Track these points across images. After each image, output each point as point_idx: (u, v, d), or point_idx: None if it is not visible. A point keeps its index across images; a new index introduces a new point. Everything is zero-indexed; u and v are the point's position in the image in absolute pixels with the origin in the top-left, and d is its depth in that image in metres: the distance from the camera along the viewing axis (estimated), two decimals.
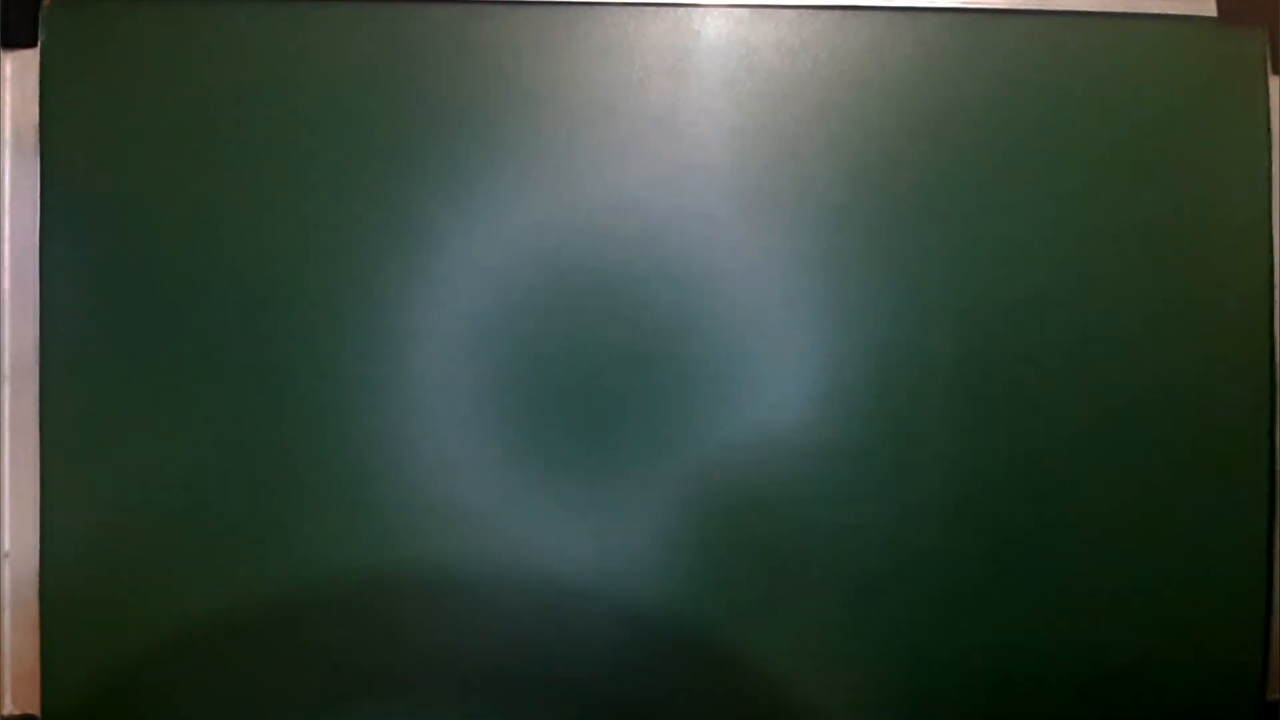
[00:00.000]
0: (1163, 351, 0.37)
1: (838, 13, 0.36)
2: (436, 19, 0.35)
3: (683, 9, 0.35)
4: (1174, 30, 0.37)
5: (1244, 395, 0.37)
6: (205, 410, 0.35)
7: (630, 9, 0.35)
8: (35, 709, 0.34)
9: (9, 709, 0.34)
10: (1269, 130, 0.37)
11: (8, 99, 0.34)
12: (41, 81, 0.34)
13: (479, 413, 0.34)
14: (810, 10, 0.35)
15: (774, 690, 0.35)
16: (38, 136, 0.34)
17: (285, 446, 0.35)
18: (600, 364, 0.34)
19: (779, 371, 0.35)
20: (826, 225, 0.35)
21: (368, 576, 0.35)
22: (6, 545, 0.34)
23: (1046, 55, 0.36)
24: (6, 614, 0.34)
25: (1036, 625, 0.35)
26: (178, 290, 0.35)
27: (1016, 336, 0.36)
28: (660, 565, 0.35)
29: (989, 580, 0.35)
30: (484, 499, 0.34)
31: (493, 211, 0.35)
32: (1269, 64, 0.37)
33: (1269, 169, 0.37)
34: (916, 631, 0.35)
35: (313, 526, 0.34)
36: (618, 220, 0.34)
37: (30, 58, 0.34)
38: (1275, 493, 0.37)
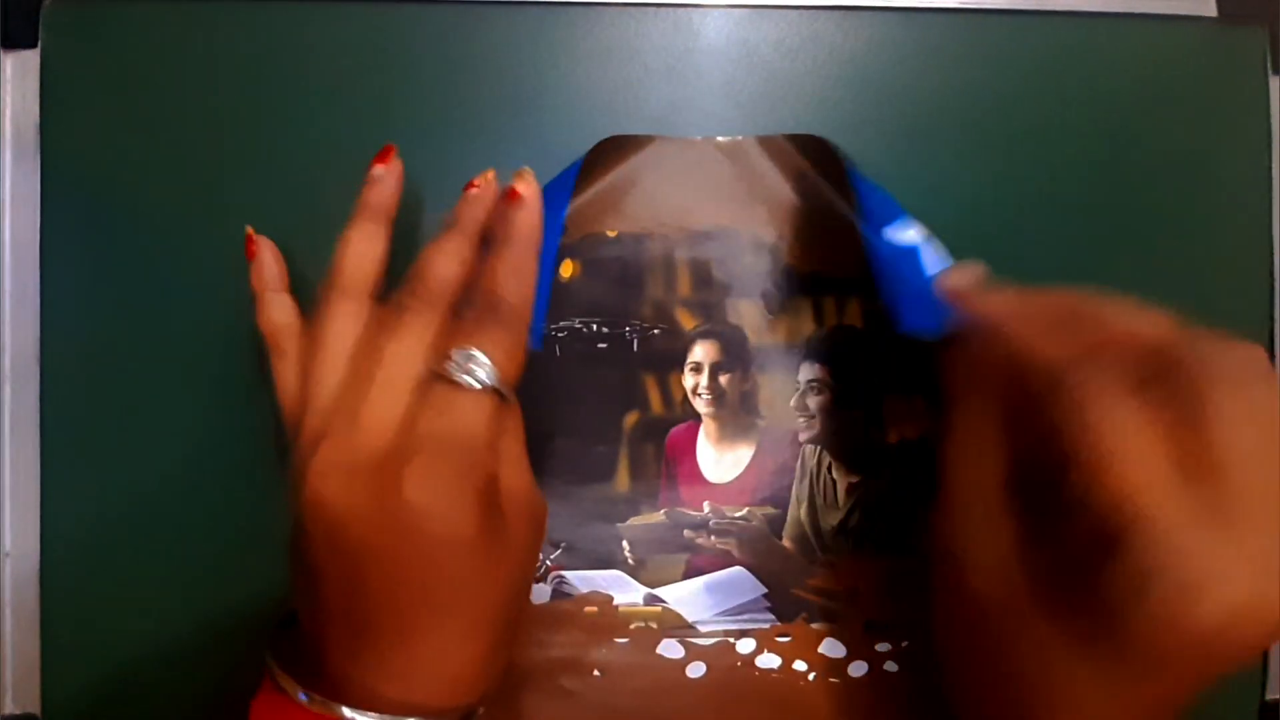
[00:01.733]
0: None
1: (838, 13, 0.36)
2: (436, 19, 0.35)
3: (683, 9, 0.35)
4: (1174, 30, 0.37)
5: None
6: (207, 409, 0.35)
7: (630, 9, 0.35)
8: (35, 708, 0.34)
9: (9, 708, 0.34)
10: (1269, 130, 0.37)
11: (8, 99, 0.34)
12: (42, 82, 0.34)
13: None
14: (810, 10, 0.35)
15: None
16: (38, 136, 0.34)
17: (289, 444, 0.35)
18: None
19: None
20: None
21: None
22: (7, 544, 0.34)
23: (1046, 55, 0.36)
24: (7, 613, 0.34)
25: None
26: (179, 290, 0.35)
27: None
28: None
29: None
30: None
31: None
32: (1269, 64, 0.37)
33: (1269, 169, 0.37)
34: None
35: None
36: None
37: (30, 58, 0.34)
38: None
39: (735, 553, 0.36)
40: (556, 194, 0.33)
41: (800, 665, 0.35)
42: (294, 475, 0.27)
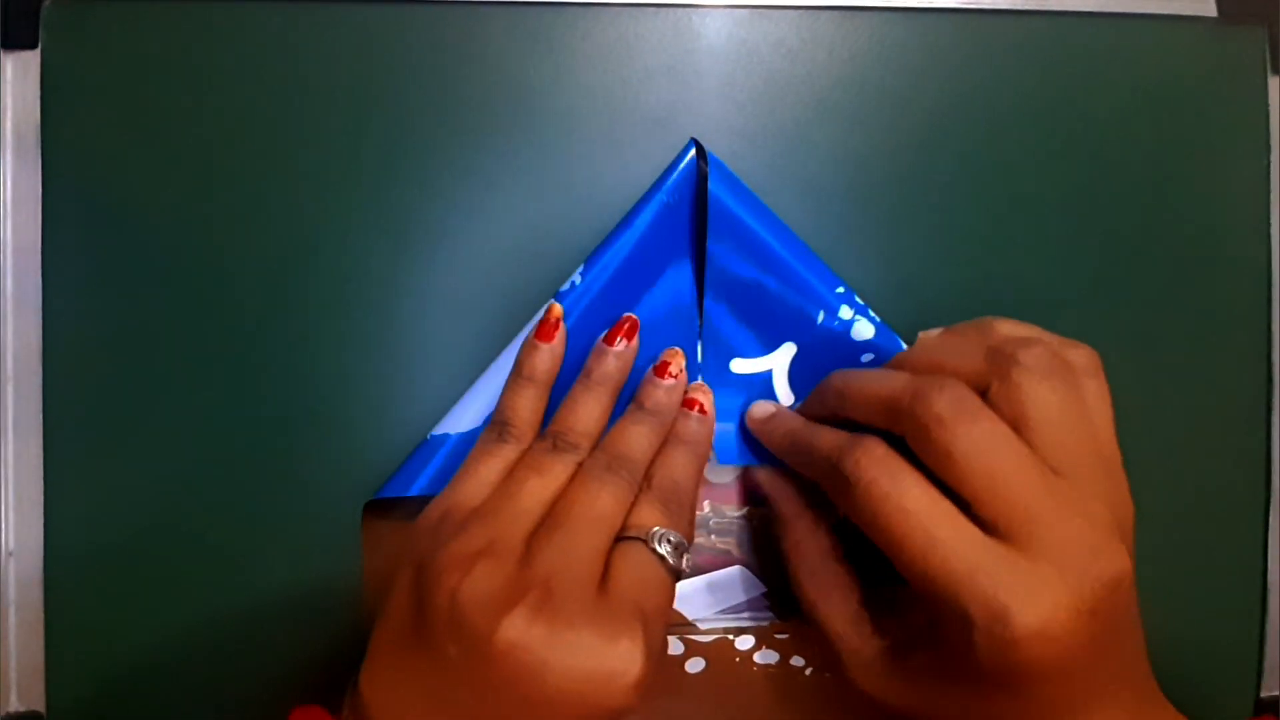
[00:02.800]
0: (1160, 350, 0.37)
1: (838, 13, 0.35)
2: (436, 19, 0.35)
3: (683, 9, 0.35)
4: (1174, 30, 0.37)
5: (1242, 394, 0.37)
6: (209, 408, 0.35)
7: (630, 9, 0.35)
8: (40, 705, 0.35)
9: (14, 705, 0.35)
10: (1269, 130, 0.37)
11: (8, 100, 0.34)
12: (42, 82, 0.34)
13: None
14: (810, 10, 0.35)
15: None
16: (38, 137, 0.34)
17: (290, 444, 0.35)
18: None
19: None
20: (825, 225, 0.35)
21: None
22: (11, 544, 0.35)
23: (1046, 55, 0.36)
24: (12, 611, 0.35)
25: None
26: (180, 289, 0.35)
27: None
28: None
29: None
30: None
31: (491, 211, 0.35)
32: (1269, 64, 0.37)
33: (1269, 169, 0.37)
34: None
35: (318, 524, 0.35)
36: (617, 221, 0.34)
37: (31, 59, 0.34)
38: (1271, 488, 0.37)
39: (735, 552, 0.36)
40: (678, 194, 0.33)
41: (798, 661, 0.36)
42: (461, 592, 0.26)
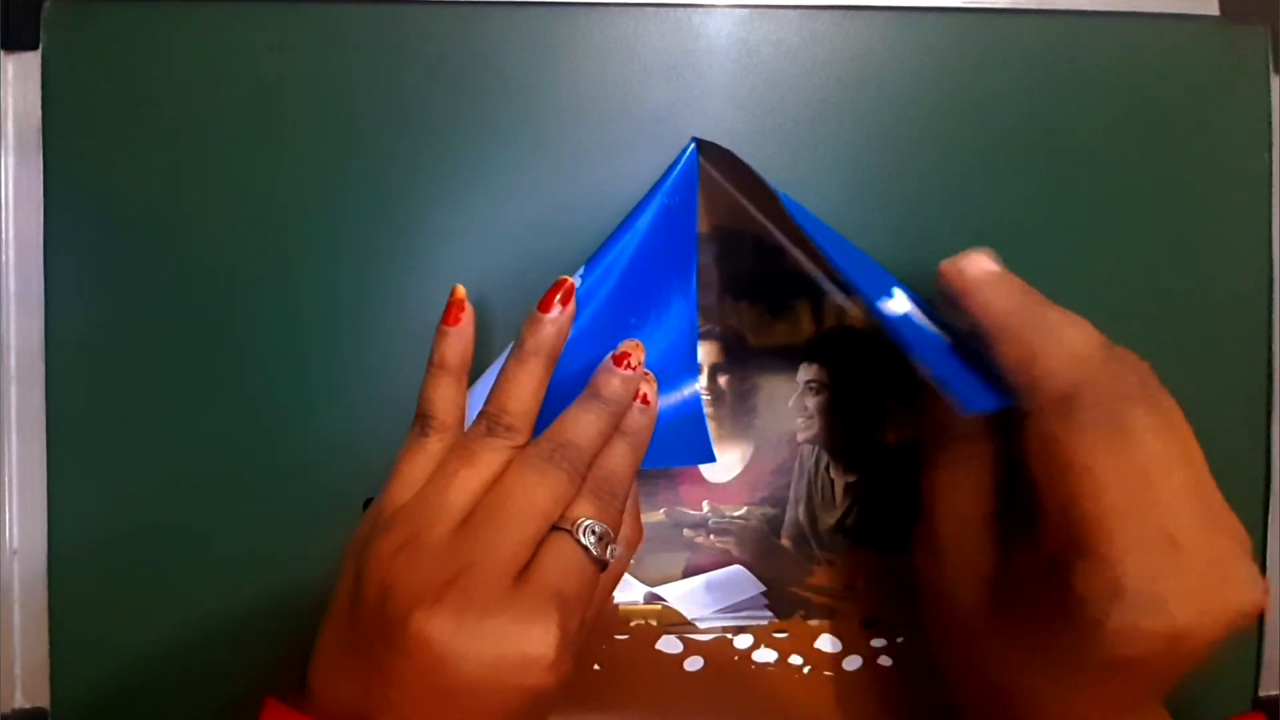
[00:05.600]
0: (1160, 350, 0.37)
1: (838, 13, 0.35)
2: (437, 19, 0.35)
3: (683, 9, 0.35)
4: (1175, 29, 0.37)
5: (1241, 394, 0.37)
6: (211, 406, 0.35)
7: (630, 9, 0.35)
8: (45, 702, 0.35)
9: (19, 702, 0.35)
10: (1270, 129, 0.37)
11: (9, 101, 0.34)
12: (43, 83, 0.34)
13: None
14: (810, 10, 0.35)
15: None
16: (40, 138, 0.34)
17: (292, 443, 0.35)
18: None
19: None
20: None
21: None
22: (15, 542, 0.35)
23: (1046, 55, 0.36)
24: (16, 609, 0.35)
25: None
26: (182, 288, 0.35)
27: None
28: None
29: None
30: None
31: (491, 211, 0.35)
32: (1271, 63, 0.37)
33: (1269, 168, 0.37)
34: None
35: (320, 522, 0.35)
36: (617, 221, 0.34)
37: (31, 60, 0.34)
38: (1270, 488, 0.37)
39: (734, 551, 0.36)
40: (678, 192, 0.33)
41: (796, 659, 0.36)
42: (384, 573, 0.27)
